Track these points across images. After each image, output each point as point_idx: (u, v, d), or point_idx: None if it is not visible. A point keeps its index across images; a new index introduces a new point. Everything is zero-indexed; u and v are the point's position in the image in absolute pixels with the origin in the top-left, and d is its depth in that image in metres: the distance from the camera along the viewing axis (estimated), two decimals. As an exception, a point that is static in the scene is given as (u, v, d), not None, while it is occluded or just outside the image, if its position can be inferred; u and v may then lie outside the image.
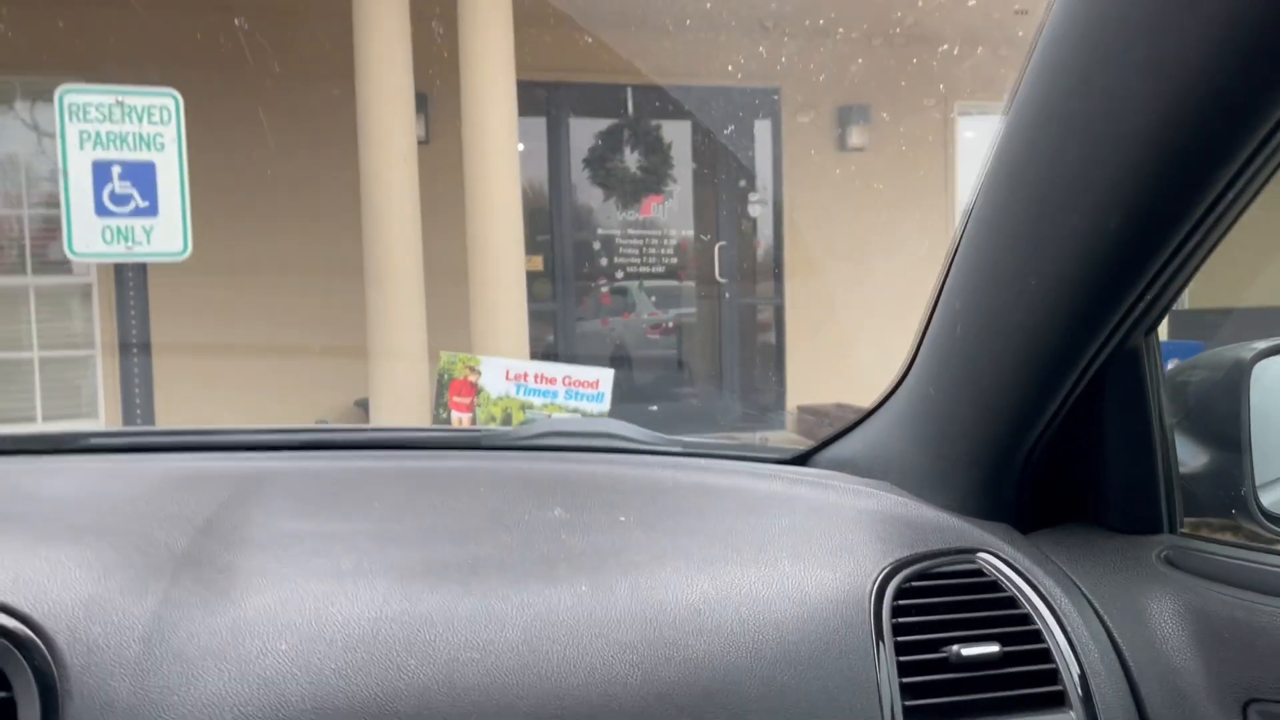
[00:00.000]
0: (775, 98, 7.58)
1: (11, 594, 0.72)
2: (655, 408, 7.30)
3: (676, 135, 7.62)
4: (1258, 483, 0.92)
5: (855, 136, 7.54)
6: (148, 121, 3.82)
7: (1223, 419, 0.93)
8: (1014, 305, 0.83)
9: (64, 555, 0.77)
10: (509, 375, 4.63)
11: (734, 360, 7.64)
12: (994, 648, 0.84)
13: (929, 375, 1.00)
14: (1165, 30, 0.62)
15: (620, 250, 7.43)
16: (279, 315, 6.18)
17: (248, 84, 5.95)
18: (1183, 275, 0.77)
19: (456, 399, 4.59)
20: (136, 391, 4.20)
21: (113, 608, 0.73)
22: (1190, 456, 0.95)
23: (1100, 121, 0.68)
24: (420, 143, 5.65)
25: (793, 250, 7.62)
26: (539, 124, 7.16)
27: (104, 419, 6.27)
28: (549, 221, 7.25)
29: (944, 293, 0.93)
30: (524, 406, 4.56)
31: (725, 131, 7.64)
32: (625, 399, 6.29)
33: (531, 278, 6.38)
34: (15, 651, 0.69)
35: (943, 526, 0.96)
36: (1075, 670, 0.84)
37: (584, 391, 4.59)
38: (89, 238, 3.80)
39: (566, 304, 7.27)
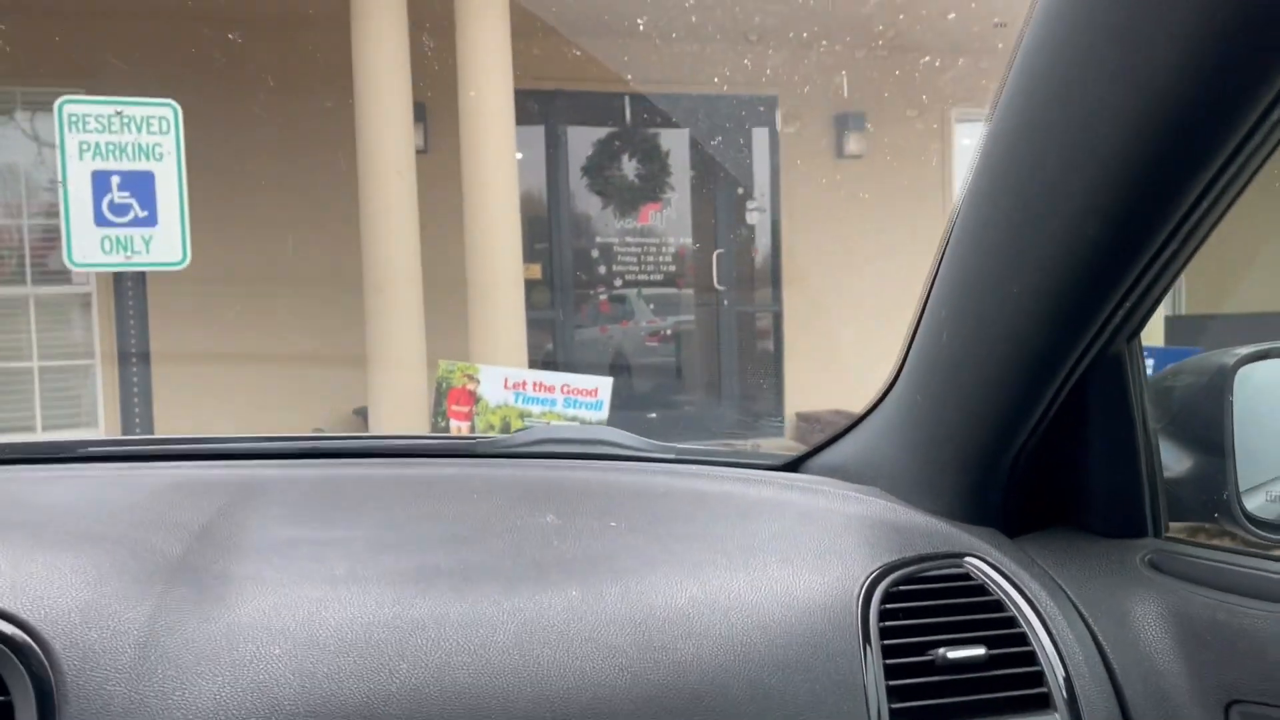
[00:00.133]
0: (772, 106, 7.61)
1: (10, 600, 0.73)
2: (654, 415, 7.31)
3: (674, 143, 7.65)
4: (1241, 487, 0.93)
5: (852, 144, 7.57)
6: (147, 132, 3.84)
7: (1206, 424, 0.94)
8: (997, 313, 0.85)
9: (61, 562, 0.78)
10: (507, 384, 4.64)
11: (732, 367, 7.65)
12: (979, 650, 0.85)
13: (916, 382, 1.01)
14: (1136, 41, 0.63)
15: (618, 258, 7.45)
16: (278, 324, 6.20)
17: (246, 94, 5.97)
18: (1162, 282, 0.78)
19: (455, 407, 4.60)
20: (136, 400, 4.21)
21: (108, 614, 0.74)
22: (1175, 461, 0.96)
23: (1077, 131, 0.70)
24: (419, 152, 5.68)
25: (790, 257, 7.64)
26: (537, 132, 7.18)
27: (103, 427, 6.28)
28: (547, 230, 7.27)
29: (930, 300, 0.95)
30: (522, 415, 4.57)
31: (723, 139, 7.66)
32: (624, 406, 6.30)
33: (530, 286, 6.39)
34: (13, 656, 0.70)
35: (931, 531, 0.97)
36: (1060, 673, 0.85)
37: (582, 399, 4.61)
38: (88, 247, 3.81)
39: (565, 312, 7.29)
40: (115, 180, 3.81)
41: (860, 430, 1.16)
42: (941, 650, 0.84)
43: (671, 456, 1.24)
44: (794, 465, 1.24)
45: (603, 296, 7.50)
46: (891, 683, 0.82)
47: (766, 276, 7.82)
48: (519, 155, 5.97)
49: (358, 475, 1.11)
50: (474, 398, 4.61)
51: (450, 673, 0.76)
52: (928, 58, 7.33)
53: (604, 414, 4.56)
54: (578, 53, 6.64)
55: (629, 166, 7.55)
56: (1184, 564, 0.88)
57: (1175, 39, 0.61)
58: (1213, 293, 7.42)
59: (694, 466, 1.18)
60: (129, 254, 3.86)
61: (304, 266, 6.20)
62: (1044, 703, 0.84)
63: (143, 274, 4.08)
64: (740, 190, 7.75)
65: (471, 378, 4.66)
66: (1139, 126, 0.66)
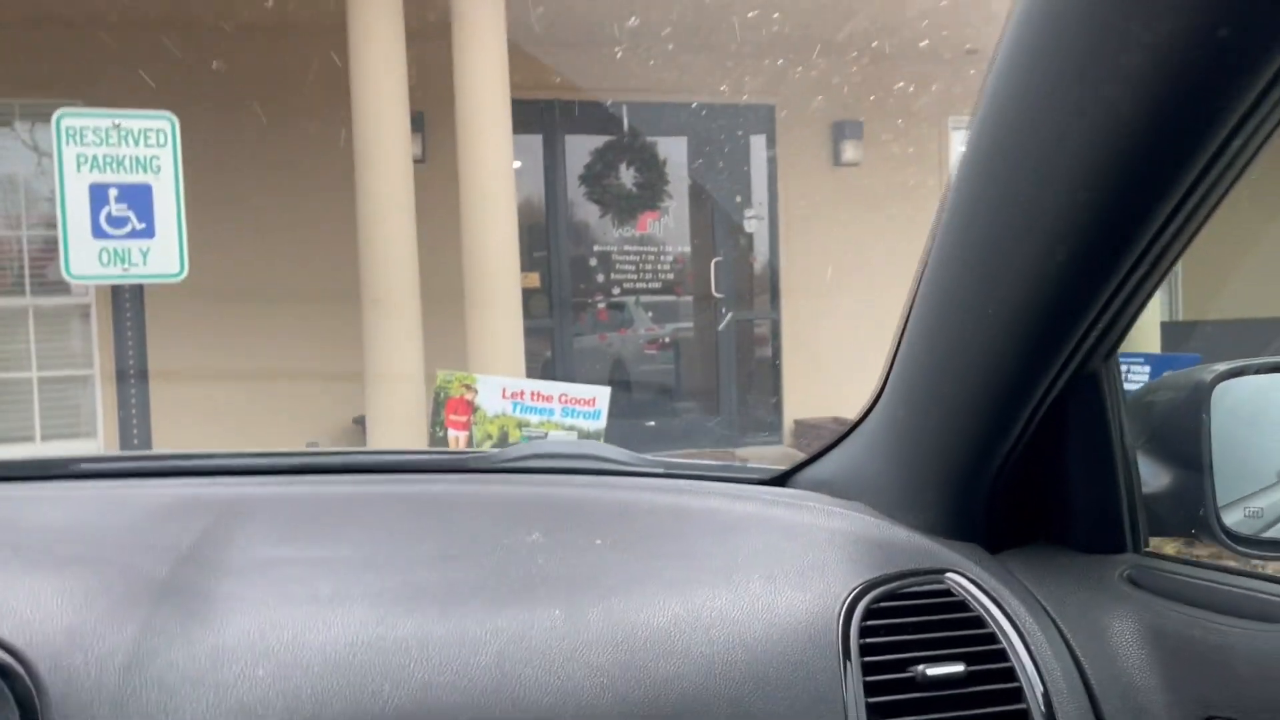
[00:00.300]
0: (769, 114, 7.63)
1: None
2: (653, 423, 7.31)
3: (672, 152, 7.67)
4: (1219, 502, 0.94)
5: (850, 151, 7.59)
6: (144, 144, 3.86)
7: (1184, 440, 0.95)
8: (974, 332, 0.86)
9: (47, 585, 0.79)
10: (505, 393, 4.64)
11: (731, 375, 7.66)
12: (959, 667, 0.85)
13: (899, 398, 1.02)
14: (1094, 78, 0.64)
15: (617, 266, 7.46)
16: (276, 333, 6.21)
17: (244, 106, 6.00)
18: (1134, 304, 0.79)
19: (453, 417, 4.60)
20: (134, 410, 4.22)
21: (94, 636, 0.75)
22: (1153, 477, 0.97)
23: (1045, 160, 0.71)
24: (416, 161, 5.69)
25: (789, 265, 7.66)
26: (535, 141, 7.20)
27: (102, 437, 6.29)
28: (546, 238, 7.29)
29: (911, 318, 0.96)
30: (520, 424, 4.57)
31: (720, 148, 7.69)
32: (623, 414, 6.31)
33: (528, 294, 6.41)
34: None
35: (913, 547, 0.98)
36: (1039, 689, 0.86)
37: (580, 409, 4.61)
38: (86, 260, 3.83)
39: (564, 320, 7.30)
40: (113, 193, 3.82)
41: (846, 445, 1.17)
42: (921, 667, 0.85)
43: (660, 471, 1.25)
44: (781, 479, 1.24)
45: (601, 305, 7.51)
46: (871, 700, 0.83)
47: (765, 284, 7.84)
48: (517, 164, 5.99)
49: (347, 492, 1.12)
50: (472, 407, 4.61)
51: (433, 693, 0.77)
52: (925, 66, 7.35)
53: (602, 423, 4.57)
54: (575, 62, 6.67)
55: (627, 175, 7.57)
56: (1161, 580, 0.89)
57: (1130, 79, 0.62)
58: (1209, 298, 7.43)
59: (681, 481, 1.19)
60: (127, 266, 3.87)
61: (302, 276, 6.22)
62: (1022, 719, 0.85)
63: (141, 286, 4.10)
64: (738, 198, 7.77)
65: (469, 387, 4.66)
66: (1100, 159, 0.67)
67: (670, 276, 7.62)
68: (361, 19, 5.28)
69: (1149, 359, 4.00)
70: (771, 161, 7.71)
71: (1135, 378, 3.30)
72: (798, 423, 7.50)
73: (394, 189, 5.30)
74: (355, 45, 5.30)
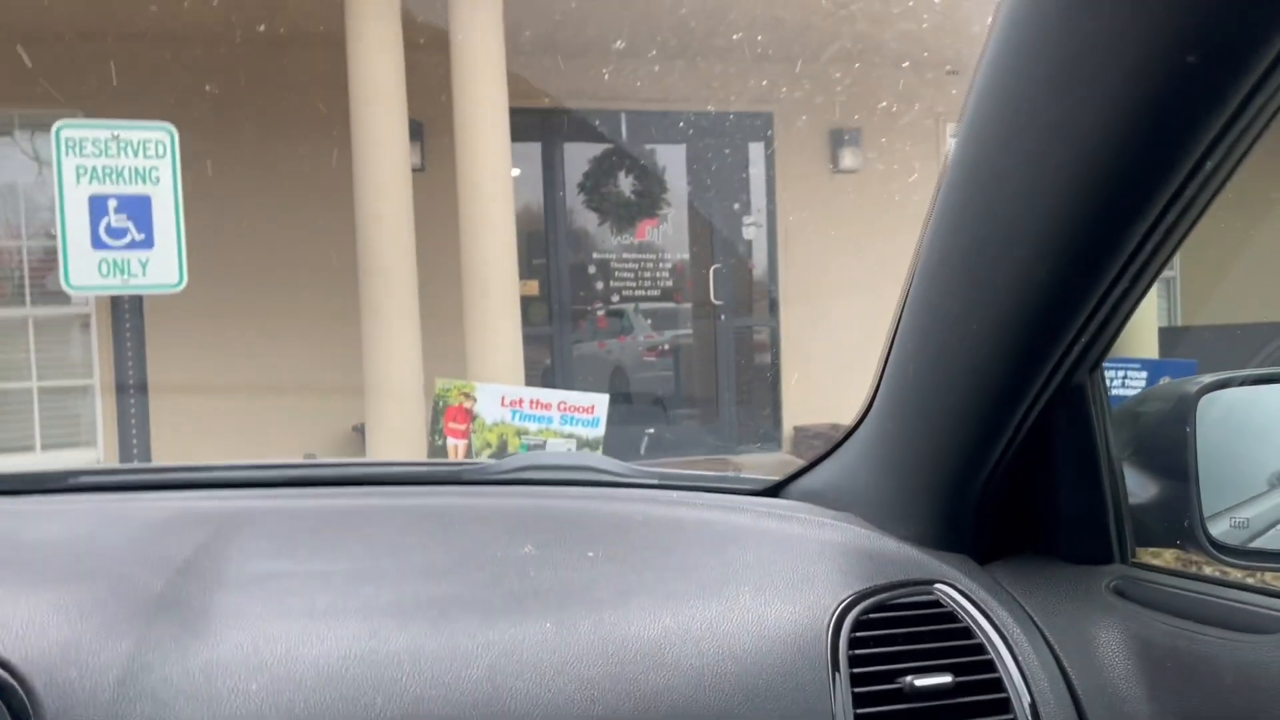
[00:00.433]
0: (767, 122, 7.65)
1: None
2: (652, 430, 7.32)
3: (670, 160, 7.69)
4: (1205, 513, 0.95)
5: (847, 159, 7.61)
6: (143, 155, 3.88)
7: (1170, 451, 0.96)
8: (959, 347, 0.87)
9: (42, 600, 0.80)
10: (504, 401, 4.65)
11: (730, 382, 7.67)
12: (947, 678, 0.86)
13: (888, 410, 1.03)
14: (1071, 99, 0.65)
15: (616, 274, 7.48)
16: (275, 341, 6.22)
17: (242, 116, 6.01)
18: (1116, 319, 0.80)
19: (452, 426, 4.61)
20: (133, 420, 4.23)
21: (88, 651, 0.76)
22: (1140, 488, 0.98)
23: (1024, 178, 0.72)
24: (415, 170, 5.71)
25: (787, 272, 7.67)
26: (534, 149, 7.22)
27: (102, 447, 6.30)
28: (544, 246, 7.31)
29: (899, 331, 0.97)
30: (519, 433, 4.58)
31: (719, 155, 7.71)
32: (622, 422, 6.31)
33: (527, 302, 6.42)
34: None
35: (902, 558, 0.99)
36: (1026, 699, 0.86)
37: (579, 416, 4.62)
38: (85, 271, 3.84)
39: (563, 328, 7.31)
40: (112, 204, 3.84)
41: (838, 455, 1.18)
42: (909, 678, 0.86)
43: (654, 482, 1.25)
44: (774, 490, 1.25)
45: (600, 312, 7.53)
46: (860, 711, 0.84)
47: (764, 291, 7.85)
48: (515, 172, 6.01)
49: (343, 506, 1.12)
50: (471, 416, 4.62)
51: (425, 707, 0.77)
52: (922, 73, 7.37)
53: (601, 431, 4.57)
54: (573, 71, 6.69)
55: (625, 183, 7.59)
56: (1147, 590, 0.90)
57: (1106, 100, 0.64)
58: (1207, 304, 7.44)
59: (674, 493, 1.20)
60: (126, 277, 3.88)
61: (301, 284, 6.23)
62: None
63: (140, 296, 4.11)
64: (736, 206, 7.79)
65: (468, 396, 4.67)
66: (1079, 177, 0.69)
67: (669, 284, 7.63)
68: (360, 29, 5.30)
69: (1145, 364, 4.00)
70: (770, 169, 7.73)
71: (1132, 383, 3.30)
72: (797, 429, 7.51)
73: (393, 197, 5.31)
74: (354, 55, 5.32)
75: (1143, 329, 4.90)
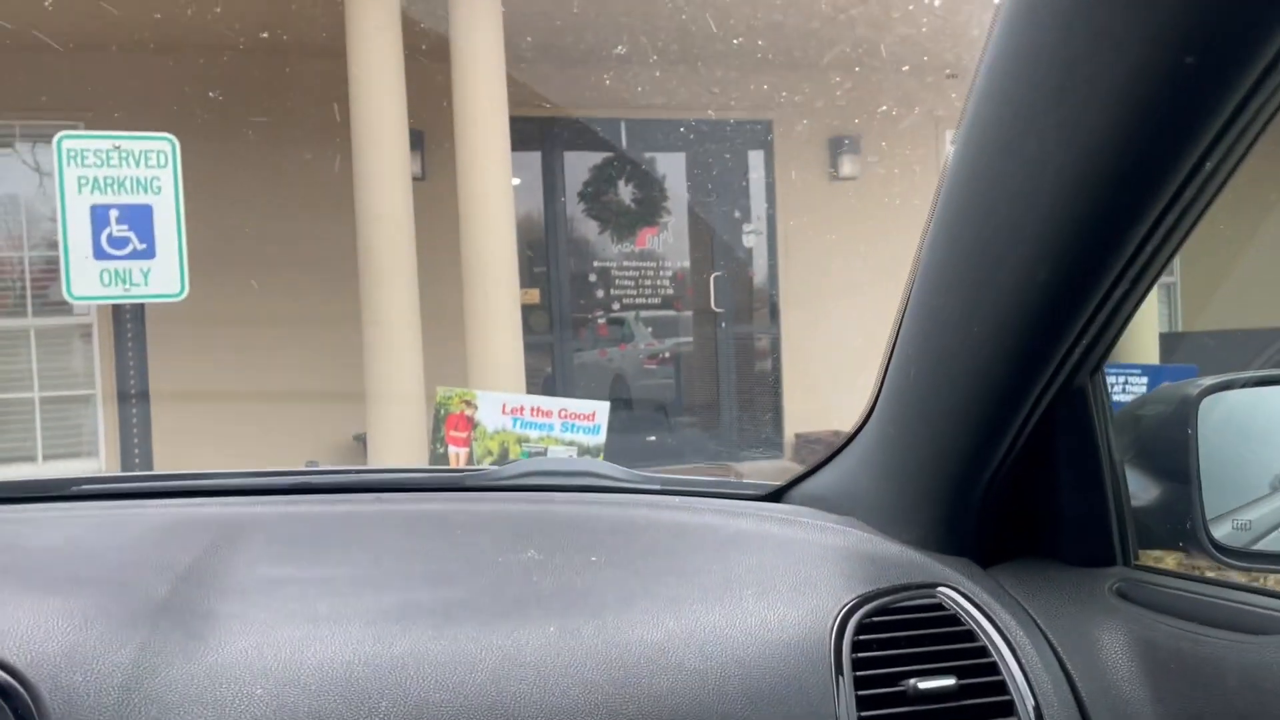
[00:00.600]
0: (767, 129, 7.67)
1: None
2: (653, 438, 7.32)
3: (670, 168, 7.70)
4: (1208, 515, 0.95)
5: (847, 166, 7.62)
6: (145, 165, 3.88)
7: (1172, 454, 0.96)
8: (959, 350, 0.87)
9: (48, 606, 0.80)
10: (505, 409, 4.65)
11: (731, 389, 7.67)
12: (950, 681, 0.86)
13: (889, 414, 1.03)
14: (1070, 103, 0.66)
15: (616, 282, 7.48)
16: (276, 351, 6.22)
17: (244, 126, 6.03)
18: (1117, 321, 0.81)
19: (453, 434, 4.61)
20: (135, 429, 4.23)
21: (93, 656, 0.76)
22: (1142, 490, 0.98)
23: (1024, 180, 0.72)
24: (416, 179, 5.72)
25: (788, 279, 7.68)
26: (534, 158, 7.24)
27: (104, 457, 6.30)
28: (545, 254, 7.31)
29: (899, 335, 0.97)
30: (520, 440, 4.58)
31: (719, 163, 7.72)
32: (623, 429, 6.31)
33: (528, 310, 6.42)
34: (0, 700, 0.72)
35: (905, 562, 0.99)
36: (1030, 702, 0.86)
37: (580, 424, 4.62)
38: (87, 281, 3.84)
39: (563, 336, 7.32)
40: (114, 214, 3.85)
41: (840, 460, 1.18)
42: (913, 681, 0.86)
43: (656, 488, 1.26)
44: (776, 495, 1.25)
45: (601, 320, 7.53)
46: (863, 714, 0.84)
47: (764, 298, 7.85)
48: (516, 181, 6.02)
49: (345, 512, 1.13)
50: (472, 423, 4.62)
51: (429, 710, 0.77)
52: (921, 80, 7.39)
53: (601, 438, 4.57)
54: (573, 79, 6.70)
55: (625, 191, 7.60)
56: (1150, 593, 0.90)
57: (1105, 103, 0.64)
58: (1208, 310, 7.44)
59: (676, 498, 1.20)
60: (128, 286, 3.89)
61: (303, 293, 6.24)
62: None
63: (142, 306, 4.11)
64: (737, 213, 7.80)
65: (469, 404, 4.67)
66: (1078, 180, 0.69)
67: (670, 291, 7.64)
68: (361, 39, 5.31)
69: (1146, 370, 4.00)
70: (769, 176, 7.74)
71: (1132, 389, 3.30)
72: (798, 436, 7.50)
73: (394, 206, 5.32)
74: (355, 65, 5.33)
75: (1143, 334, 4.90)
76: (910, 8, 6.12)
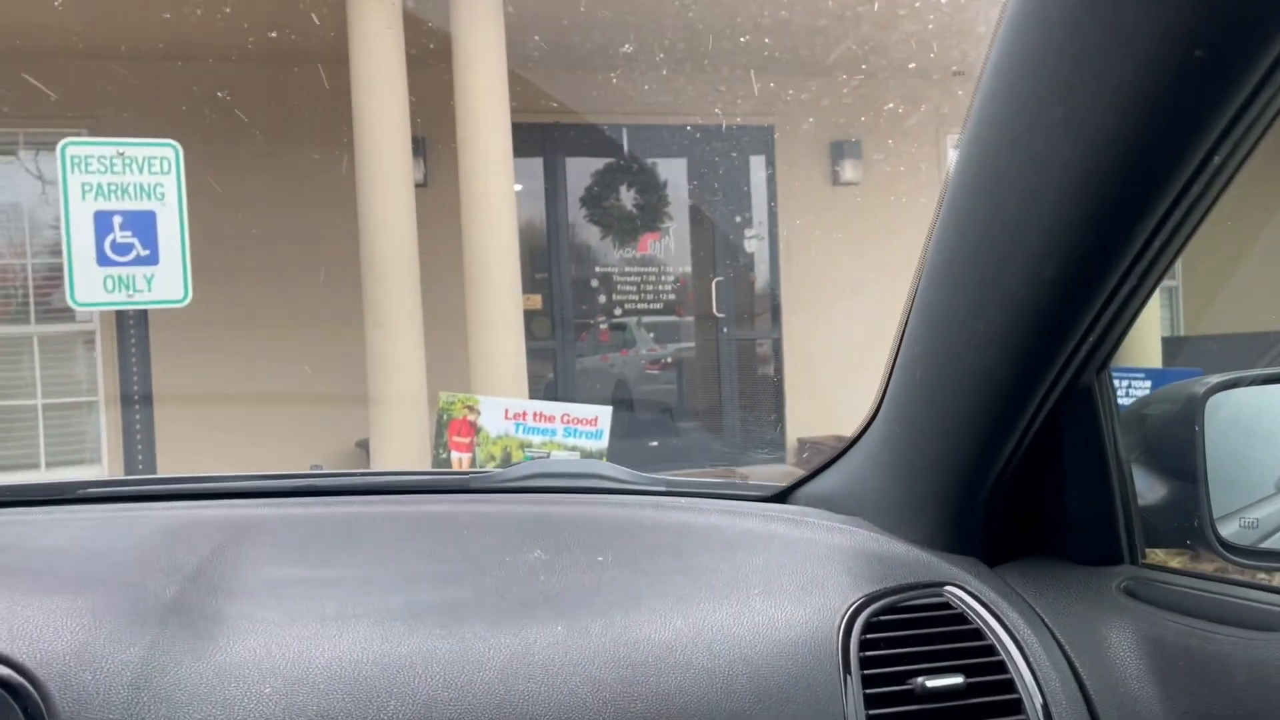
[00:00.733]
0: (768, 135, 7.68)
1: (6, 644, 0.75)
2: (655, 443, 7.32)
3: (672, 173, 7.71)
4: (1215, 514, 0.95)
5: (848, 171, 7.63)
6: (148, 172, 3.89)
7: (1179, 452, 0.96)
8: (965, 349, 0.87)
9: (57, 605, 0.80)
10: (508, 414, 4.65)
11: (733, 394, 7.67)
12: (958, 679, 0.86)
13: (895, 414, 1.03)
14: (1077, 98, 0.66)
15: (618, 287, 7.49)
16: (279, 358, 6.23)
17: (246, 133, 6.04)
18: (1123, 319, 0.81)
19: (456, 439, 4.61)
20: (138, 437, 4.24)
21: (102, 655, 0.76)
22: (1149, 489, 0.98)
23: (1031, 177, 0.72)
24: (418, 185, 5.73)
25: (789, 284, 7.68)
26: (535, 164, 7.25)
27: (107, 463, 6.30)
28: (547, 260, 7.32)
29: (905, 335, 0.97)
30: (523, 445, 4.58)
31: (720, 168, 7.73)
32: (625, 434, 6.31)
33: (530, 316, 6.43)
34: (9, 698, 0.72)
35: (912, 561, 0.99)
36: (1038, 700, 0.86)
37: (582, 429, 4.62)
38: (91, 287, 3.85)
39: (566, 341, 7.32)
40: (117, 220, 3.85)
41: (845, 460, 1.18)
42: (920, 679, 0.86)
43: (661, 489, 1.26)
44: (781, 496, 1.25)
45: (603, 325, 7.53)
46: (871, 712, 0.84)
47: (766, 303, 7.86)
48: (518, 187, 6.03)
49: (351, 513, 1.13)
50: (475, 429, 4.62)
51: (437, 709, 0.77)
52: (922, 84, 7.40)
53: (604, 443, 4.57)
54: (575, 85, 6.72)
55: (627, 197, 7.61)
56: (1158, 591, 0.90)
57: (1112, 99, 0.64)
58: (1209, 313, 7.44)
59: (682, 499, 1.20)
60: (131, 292, 3.89)
61: (305, 299, 6.25)
62: None
63: (145, 312, 4.12)
64: (738, 218, 7.81)
65: (472, 409, 4.67)
66: (1085, 177, 0.69)
67: (671, 297, 7.64)
68: (363, 46, 5.32)
69: (1149, 373, 4.00)
70: (770, 181, 7.75)
71: (1136, 392, 3.30)
72: (801, 441, 7.50)
73: (396, 213, 5.33)
74: (357, 72, 5.34)
75: (1146, 338, 4.90)
76: (917, 4, 6.13)
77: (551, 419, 4.60)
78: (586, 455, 4.40)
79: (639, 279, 7.54)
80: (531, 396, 5.80)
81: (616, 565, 0.97)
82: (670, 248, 7.68)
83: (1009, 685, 0.87)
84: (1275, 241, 7.04)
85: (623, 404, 7.31)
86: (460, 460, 4.51)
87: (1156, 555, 0.99)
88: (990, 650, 0.89)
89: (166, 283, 3.93)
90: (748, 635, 0.87)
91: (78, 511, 1.10)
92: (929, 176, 7.79)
